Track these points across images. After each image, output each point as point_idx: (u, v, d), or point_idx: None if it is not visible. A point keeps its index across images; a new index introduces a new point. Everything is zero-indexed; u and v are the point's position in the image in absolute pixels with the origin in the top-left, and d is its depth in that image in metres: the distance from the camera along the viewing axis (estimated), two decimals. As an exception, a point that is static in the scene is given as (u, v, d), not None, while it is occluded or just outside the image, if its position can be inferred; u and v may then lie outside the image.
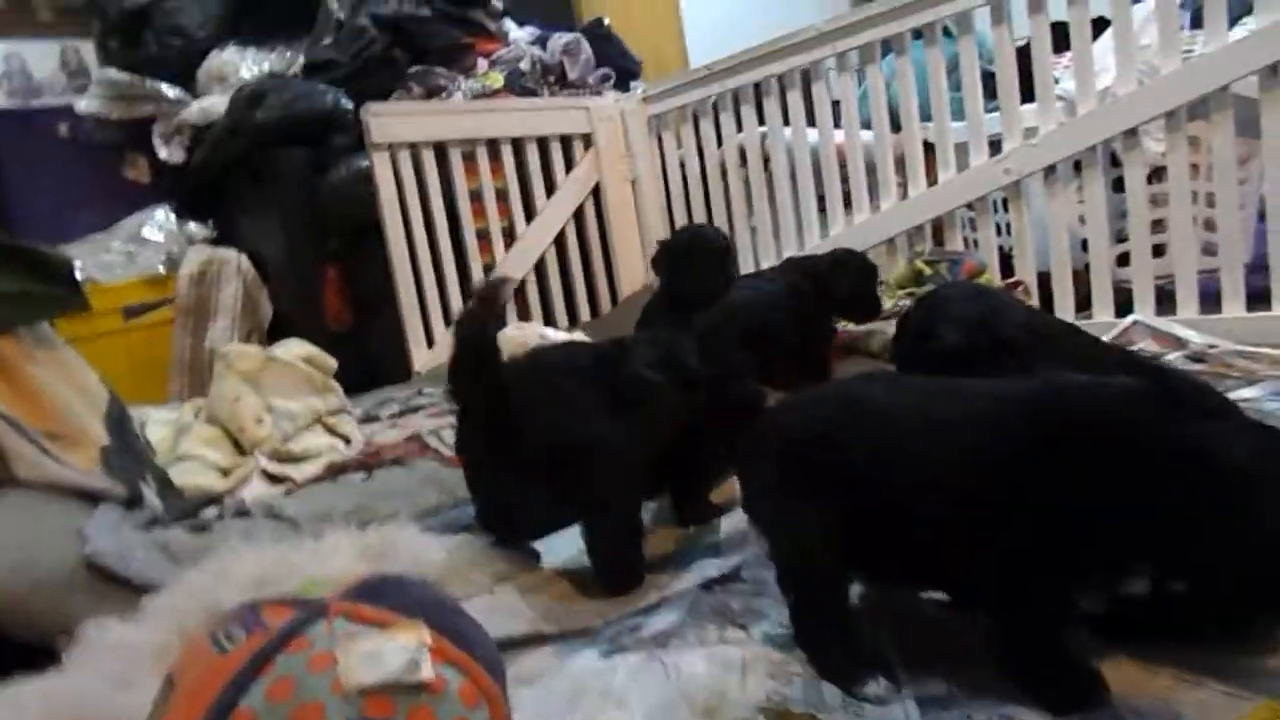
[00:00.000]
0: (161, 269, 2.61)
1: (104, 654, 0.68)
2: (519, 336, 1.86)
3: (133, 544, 0.99)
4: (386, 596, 0.57)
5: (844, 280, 1.63)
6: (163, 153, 2.79)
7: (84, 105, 2.79)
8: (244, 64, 2.76)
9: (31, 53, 3.16)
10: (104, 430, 1.31)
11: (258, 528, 1.08)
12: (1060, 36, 1.98)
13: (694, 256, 1.58)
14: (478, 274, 2.41)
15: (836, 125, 2.28)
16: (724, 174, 2.52)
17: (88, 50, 3.17)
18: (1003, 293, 0.87)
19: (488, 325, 0.97)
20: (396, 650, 0.52)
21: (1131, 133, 1.81)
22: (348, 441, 1.63)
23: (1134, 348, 1.71)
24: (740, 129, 2.45)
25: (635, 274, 2.68)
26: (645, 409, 0.99)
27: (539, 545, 1.06)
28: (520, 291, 2.49)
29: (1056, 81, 1.99)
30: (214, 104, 2.69)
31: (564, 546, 1.10)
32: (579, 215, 2.60)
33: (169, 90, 2.78)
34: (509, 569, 0.96)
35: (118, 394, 1.45)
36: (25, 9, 3.25)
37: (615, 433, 0.96)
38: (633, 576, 0.96)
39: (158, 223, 2.74)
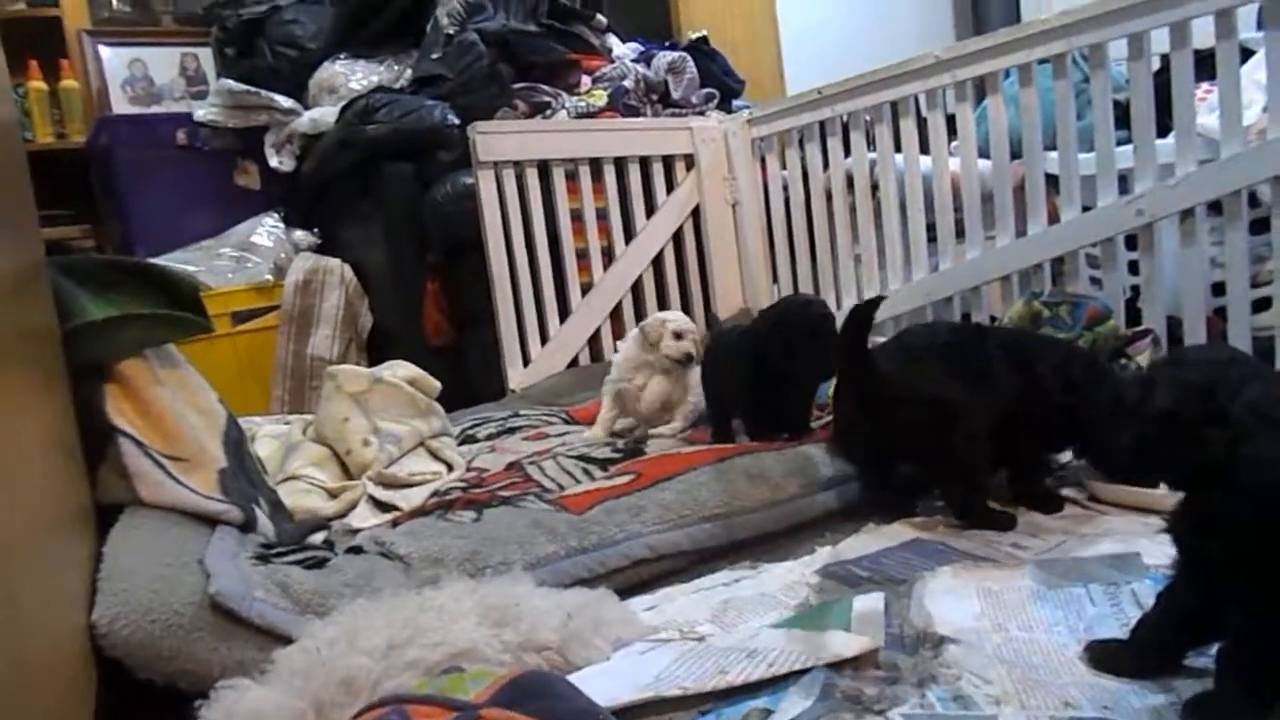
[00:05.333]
0: (269, 276, 2.68)
1: (240, 721, 0.68)
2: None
3: (253, 582, 0.99)
4: (535, 703, 0.55)
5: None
6: (273, 161, 2.87)
7: (201, 114, 2.88)
8: (354, 76, 2.81)
9: (154, 59, 3.28)
10: (222, 452, 1.33)
11: (373, 568, 1.07)
12: (1197, 63, 1.85)
13: (799, 332, 1.52)
14: (575, 294, 2.40)
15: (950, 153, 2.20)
16: (828, 199, 2.45)
17: (206, 57, 3.29)
18: (1257, 366, 0.80)
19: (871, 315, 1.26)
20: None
21: (1281, 177, 1.70)
22: (450, 468, 1.62)
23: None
24: (848, 154, 2.38)
25: (733, 297, 2.63)
26: (987, 382, 1.25)
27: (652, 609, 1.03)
28: (616, 312, 2.47)
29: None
30: (324, 114, 2.74)
31: (681, 608, 1.07)
32: (678, 237, 2.57)
33: (282, 100, 2.85)
34: (630, 632, 0.94)
35: (234, 414, 1.48)
36: (149, 17, 3.38)
37: (964, 396, 1.22)
38: (982, 516, 1.24)
39: (266, 229, 2.81)
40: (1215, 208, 1.83)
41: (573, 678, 0.84)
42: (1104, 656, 0.86)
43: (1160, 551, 1.02)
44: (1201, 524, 0.80)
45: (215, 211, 2.88)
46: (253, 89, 2.85)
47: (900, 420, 1.24)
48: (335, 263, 2.65)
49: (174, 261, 2.68)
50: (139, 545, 1.03)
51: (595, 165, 2.44)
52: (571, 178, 2.41)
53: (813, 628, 0.93)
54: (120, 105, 3.16)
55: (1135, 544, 1.09)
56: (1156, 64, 1.95)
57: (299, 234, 2.81)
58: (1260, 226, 1.86)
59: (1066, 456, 1.49)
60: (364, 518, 1.41)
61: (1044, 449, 1.38)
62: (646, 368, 1.77)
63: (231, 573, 0.99)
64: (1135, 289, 2.00)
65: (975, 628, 0.94)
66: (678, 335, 1.72)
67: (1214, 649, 0.79)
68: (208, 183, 2.93)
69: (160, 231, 2.82)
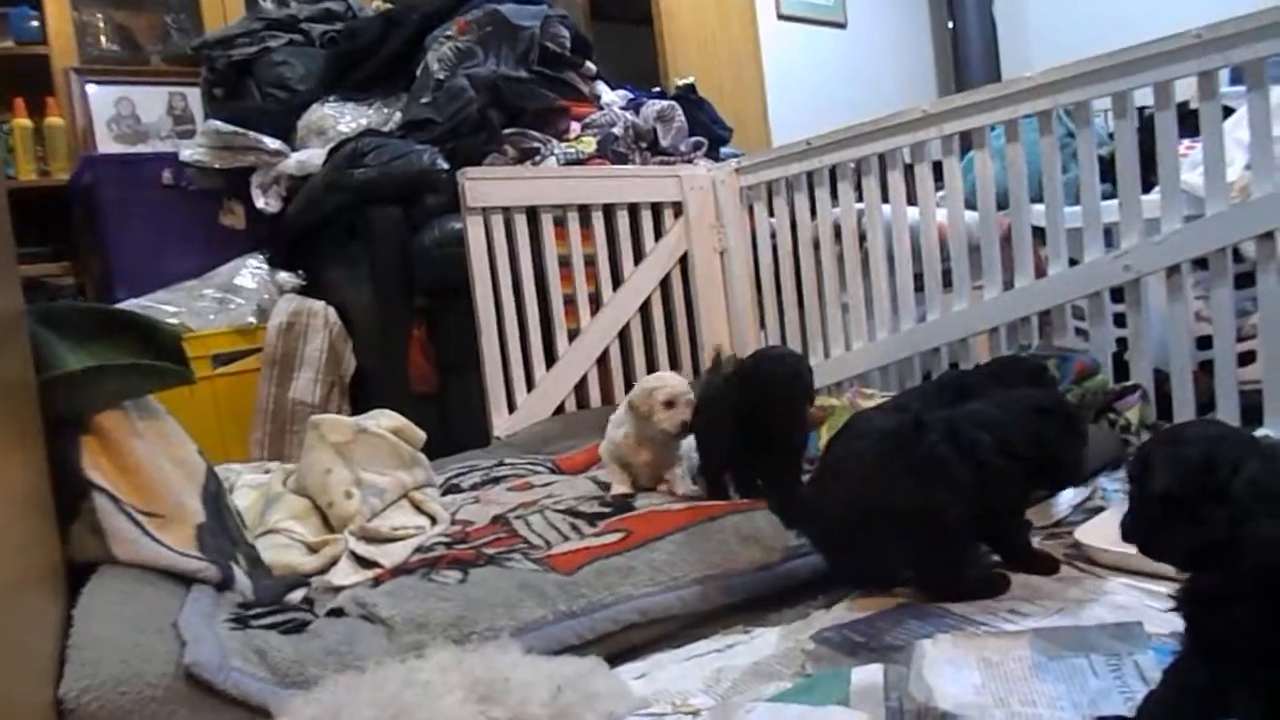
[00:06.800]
0: (252, 319, 2.64)
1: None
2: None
3: (230, 650, 0.95)
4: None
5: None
6: (259, 202, 2.85)
7: (188, 154, 2.87)
8: (343, 119, 2.80)
9: (141, 98, 3.27)
10: (200, 507, 1.30)
11: (355, 633, 1.04)
12: (1180, 118, 1.87)
13: (772, 386, 1.49)
14: (562, 341, 2.38)
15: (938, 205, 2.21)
16: (816, 248, 2.46)
17: (194, 97, 3.28)
18: (1252, 441, 0.79)
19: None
20: None
21: (1267, 235, 1.71)
22: (434, 520, 1.59)
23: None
24: (836, 204, 2.39)
25: (720, 344, 2.62)
26: (946, 479, 1.16)
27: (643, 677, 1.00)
28: (603, 359, 2.45)
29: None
30: (311, 156, 2.74)
31: (673, 677, 1.04)
32: (666, 284, 2.57)
33: (269, 142, 2.84)
34: (621, 705, 0.91)
35: (213, 465, 1.44)
36: (138, 57, 3.38)
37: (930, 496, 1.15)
38: (969, 592, 1.18)
39: (250, 270, 2.78)
40: (1200, 263, 1.85)
41: (563, 757, 0.81)
42: (1110, 736, 0.84)
43: (1163, 620, 1.00)
44: (1205, 602, 0.78)
45: (199, 252, 2.86)
46: (240, 130, 2.84)
47: (867, 536, 1.17)
48: (319, 305, 2.62)
49: (156, 302, 2.65)
50: (111, 608, 1.00)
51: (584, 212, 2.44)
52: (560, 224, 2.41)
53: (810, 702, 0.91)
54: (105, 144, 3.14)
55: (1136, 612, 1.08)
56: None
57: (283, 276, 2.79)
58: (1245, 280, 1.88)
59: (1061, 511, 1.49)
60: (345, 574, 1.36)
61: (1016, 511, 1.29)
62: (649, 442, 1.64)
63: (207, 639, 0.95)
64: (1121, 340, 2.02)
65: (977, 702, 0.91)
66: (669, 404, 1.59)
67: (1224, 730, 0.78)
68: (192, 223, 2.90)
69: (142, 271, 2.78)
